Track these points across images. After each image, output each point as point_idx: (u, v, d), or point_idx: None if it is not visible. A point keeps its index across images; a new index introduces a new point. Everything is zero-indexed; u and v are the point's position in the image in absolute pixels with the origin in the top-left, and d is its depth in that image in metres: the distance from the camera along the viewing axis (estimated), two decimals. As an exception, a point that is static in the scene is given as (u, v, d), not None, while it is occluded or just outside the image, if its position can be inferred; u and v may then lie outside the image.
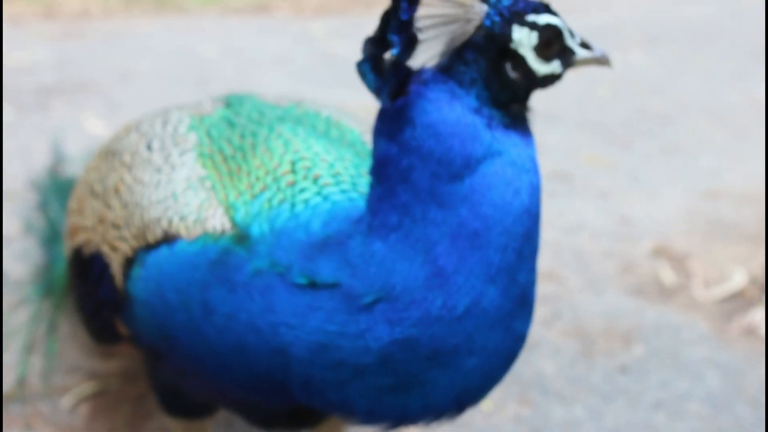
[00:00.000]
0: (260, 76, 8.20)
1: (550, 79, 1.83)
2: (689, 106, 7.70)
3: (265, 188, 1.94)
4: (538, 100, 1.91)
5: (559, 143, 6.54)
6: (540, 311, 4.12)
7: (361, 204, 1.87)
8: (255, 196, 1.93)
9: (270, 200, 1.91)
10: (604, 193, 5.72)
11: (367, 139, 2.26)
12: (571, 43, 1.83)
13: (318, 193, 1.91)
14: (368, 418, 1.90)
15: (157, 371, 2.25)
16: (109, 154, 2.31)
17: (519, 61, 1.77)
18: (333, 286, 1.78)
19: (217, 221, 1.93)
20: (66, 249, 2.49)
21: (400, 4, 1.73)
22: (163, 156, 2.13)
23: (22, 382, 3.55)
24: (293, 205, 1.88)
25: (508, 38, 1.75)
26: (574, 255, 4.76)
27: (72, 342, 3.76)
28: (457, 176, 1.73)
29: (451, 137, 1.73)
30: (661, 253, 4.85)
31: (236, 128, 2.16)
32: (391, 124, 1.77)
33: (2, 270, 3.86)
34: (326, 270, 1.78)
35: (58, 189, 3.59)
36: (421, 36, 1.74)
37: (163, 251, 1.97)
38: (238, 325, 1.86)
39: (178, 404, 2.34)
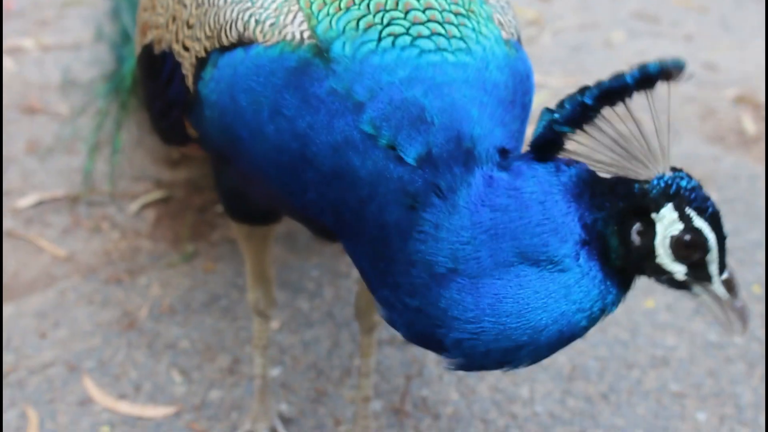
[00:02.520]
0: None
1: (663, 274, 1.72)
2: (790, -49, 7.28)
3: (352, 5, 1.84)
4: None
5: (647, -18, 6.26)
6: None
7: (448, 70, 1.79)
8: (341, 11, 1.84)
9: (358, 21, 1.82)
10: (691, 36, 5.49)
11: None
12: (714, 270, 1.70)
13: (407, 32, 1.80)
14: None
15: (222, 175, 2.23)
16: (184, -51, 2.22)
17: (648, 233, 1.69)
18: (399, 159, 1.75)
19: (296, 29, 1.85)
20: (136, 46, 2.44)
21: (590, 88, 1.66)
22: (242, -46, 2.03)
23: (88, 178, 3.60)
24: (380, 37, 1.79)
25: (655, 208, 1.67)
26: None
27: (139, 150, 3.78)
28: (524, 257, 1.71)
29: (543, 225, 1.70)
30: (745, 101, 4.67)
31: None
32: (522, 170, 1.74)
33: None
34: (412, 150, 1.74)
35: (131, -3, 3.52)
36: (593, 131, 1.68)
37: (239, 54, 1.91)
38: (291, 131, 1.82)
39: (242, 209, 2.33)
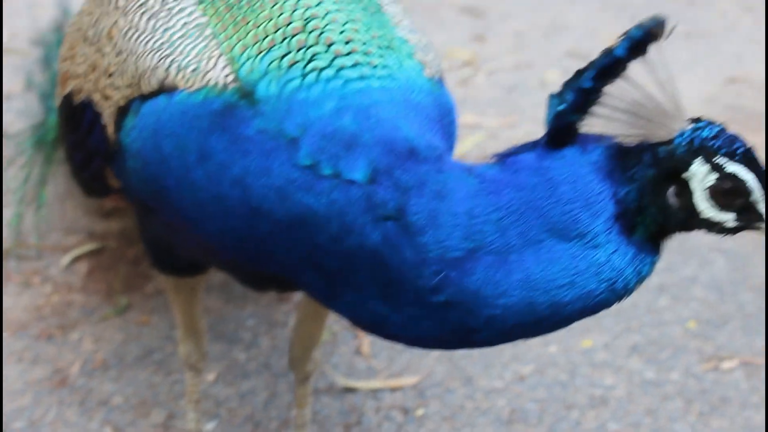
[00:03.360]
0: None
1: (716, 227, 1.72)
2: (717, -11, 7.46)
3: (273, 45, 1.84)
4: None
5: (580, 22, 6.34)
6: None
7: (373, 94, 1.81)
8: (263, 52, 1.84)
9: (280, 60, 1.82)
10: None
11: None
12: (762, 209, 1.68)
13: (331, 65, 1.82)
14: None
15: (147, 225, 2.20)
16: (103, -4, 2.19)
17: (684, 192, 1.69)
18: (350, 183, 1.73)
19: (220, 74, 1.84)
20: (56, 97, 2.41)
21: (585, 72, 1.67)
22: (159, 0, 2.02)
23: (15, 232, 3.52)
24: (304, 73, 1.80)
25: (685, 166, 1.67)
26: (587, 136, 4.65)
27: (70, 201, 3.72)
28: (554, 233, 1.69)
29: (574, 203, 1.70)
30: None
31: (240, -26, 2.04)
32: (548, 153, 1.74)
33: (2, 128, 3.80)
34: (357, 172, 1.73)
35: (62, 45, 3.49)
36: (601, 110, 1.68)
37: (162, 101, 1.89)
38: (228, 177, 1.80)
39: (168, 261, 2.29)
